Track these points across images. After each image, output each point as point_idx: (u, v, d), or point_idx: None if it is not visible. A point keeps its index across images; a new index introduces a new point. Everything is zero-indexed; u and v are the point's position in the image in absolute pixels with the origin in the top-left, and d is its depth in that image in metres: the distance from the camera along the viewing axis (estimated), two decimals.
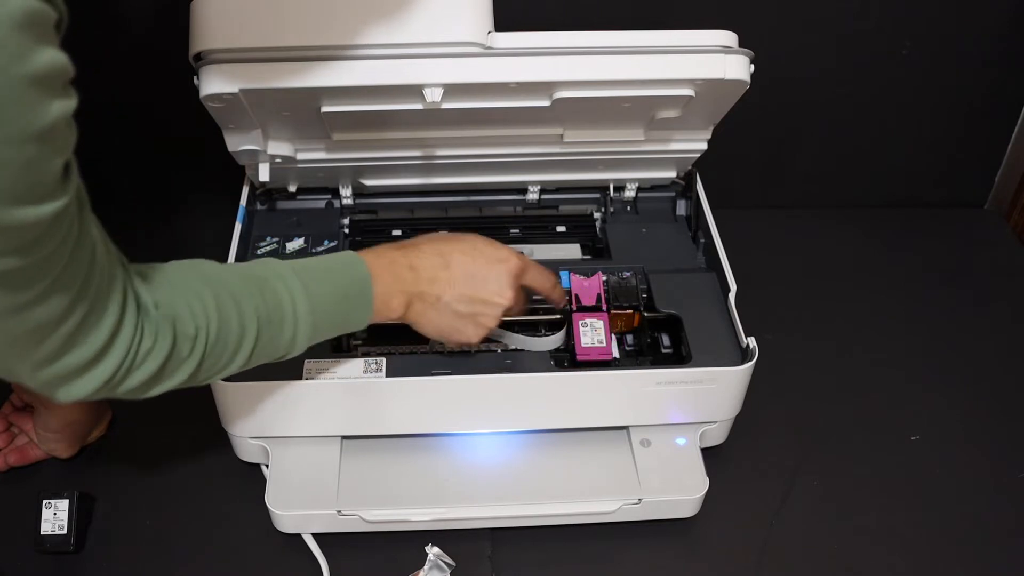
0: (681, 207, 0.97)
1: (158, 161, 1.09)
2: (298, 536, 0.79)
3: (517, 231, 0.96)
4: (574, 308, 0.85)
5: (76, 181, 0.46)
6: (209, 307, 0.58)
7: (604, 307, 0.85)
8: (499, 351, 0.84)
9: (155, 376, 0.56)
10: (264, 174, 0.84)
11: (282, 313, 0.62)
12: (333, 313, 0.65)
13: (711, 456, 0.83)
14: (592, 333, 0.83)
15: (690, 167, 0.94)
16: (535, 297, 0.87)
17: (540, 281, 0.76)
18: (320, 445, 0.81)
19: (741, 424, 0.85)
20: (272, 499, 0.77)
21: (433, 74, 0.72)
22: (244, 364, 0.62)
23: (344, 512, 0.77)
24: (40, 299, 0.46)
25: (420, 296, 0.69)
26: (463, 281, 0.70)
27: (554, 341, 0.84)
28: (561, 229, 0.97)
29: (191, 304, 0.57)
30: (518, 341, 0.84)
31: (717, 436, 0.85)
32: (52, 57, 0.39)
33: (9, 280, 0.44)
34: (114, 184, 1.02)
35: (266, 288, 0.62)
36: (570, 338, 0.83)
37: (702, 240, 0.92)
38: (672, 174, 0.95)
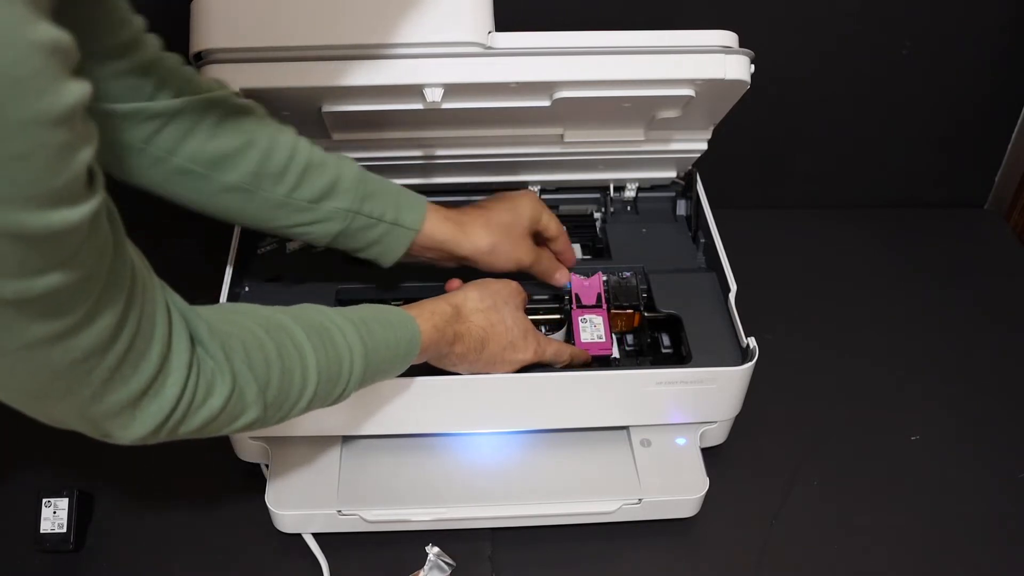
0: (681, 207, 0.97)
1: None
2: (298, 536, 0.79)
3: None
4: (574, 307, 0.85)
5: (103, 189, 0.44)
6: (271, 356, 0.57)
7: (604, 306, 0.85)
8: None
9: (220, 416, 0.54)
10: None
11: (340, 369, 0.62)
12: (377, 373, 0.66)
13: (711, 456, 0.83)
14: (592, 329, 0.83)
15: (690, 167, 0.94)
16: (535, 297, 0.87)
17: (556, 359, 0.80)
18: (320, 445, 0.81)
19: (741, 424, 0.85)
20: (272, 499, 0.77)
21: (433, 74, 0.72)
22: (300, 414, 0.61)
23: (344, 512, 0.77)
24: (86, 321, 0.43)
25: (445, 359, 0.73)
26: (484, 364, 0.75)
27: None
28: None
29: (256, 351, 0.56)
30: None
31: (717, 436, 0.85)
32: (57, 32, 0.37)
33: (54, 301, 0.41)
34: (112, 184, 1.02)
35: (328, 341, 0.61)
36: (570, 337, 0.83)
37: (702, 240, 0.92)
38: (672, 174, 0.95)
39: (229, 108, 0.66)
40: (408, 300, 0.88)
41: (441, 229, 0.76)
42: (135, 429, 0.50)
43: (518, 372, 0.77)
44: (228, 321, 0.56)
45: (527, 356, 0.77)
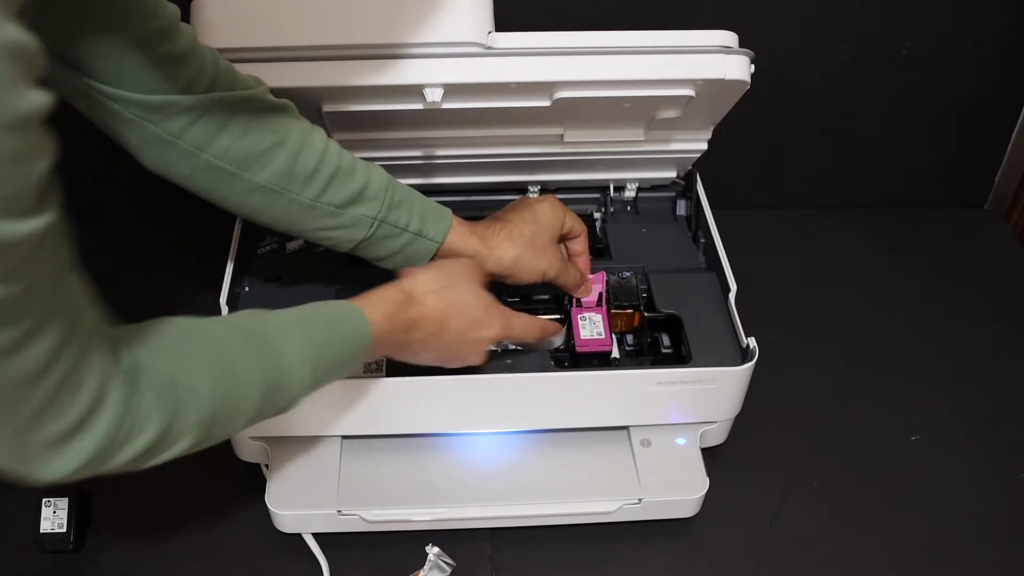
0: (681, 207, 0.97)
1: None
2: (298, 536, 0.79)
3: None
4: (574, 306, 0.85)
5: (56, 210, 0.42)
6: (213, 373, 0.54)
7: (603, 306, 0.85)
8: (499, 351, 0.84)
9: (150, 449, 0.51)
10: None
11: (284, 377, 0.59)
12: (327, 374, 0.63)
13: (711, 456, 0.83)
14: (591, 326, 0.83)
15: (690, 167, 0.94)
16: (535, 297, 0.87)
17: (526, 335, 0.77)
18: (320, 445, 0.81)
19: (741, 424, 0.85)
20: (272, 499, 0.77)
21: (433, 74, 0.72)
22: (243, 428, 0.59)
23: (344, 512, 0.77)
24: (24, 341, 0.42)
25: (405, 349, 0.70)
26: (447, 347, 0.71)
27: (554, 341, 0.84)
28: None
29: (190, 372, 0.53)
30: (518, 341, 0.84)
31: (717, 436, 0.85)
32: (22, 36, 0.36)
33: None
34: (114, 186, 1.02)
35: (271, 351, 0.58)
36: (570, 336, 0.84)
37: (702, 240, 0.92)
38: (672, 174, 0.95)
39: (262, 106, 0.66)
40: None
41: (465, 243, 0.75)
42: (59, 467, 0.47)
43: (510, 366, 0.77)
44: (164, 348, 0.53)
45: (493, 332, 0.73)
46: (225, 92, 0.63)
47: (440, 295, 0.70)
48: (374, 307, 0.66)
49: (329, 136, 0.71)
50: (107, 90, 0.58)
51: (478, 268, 0.76)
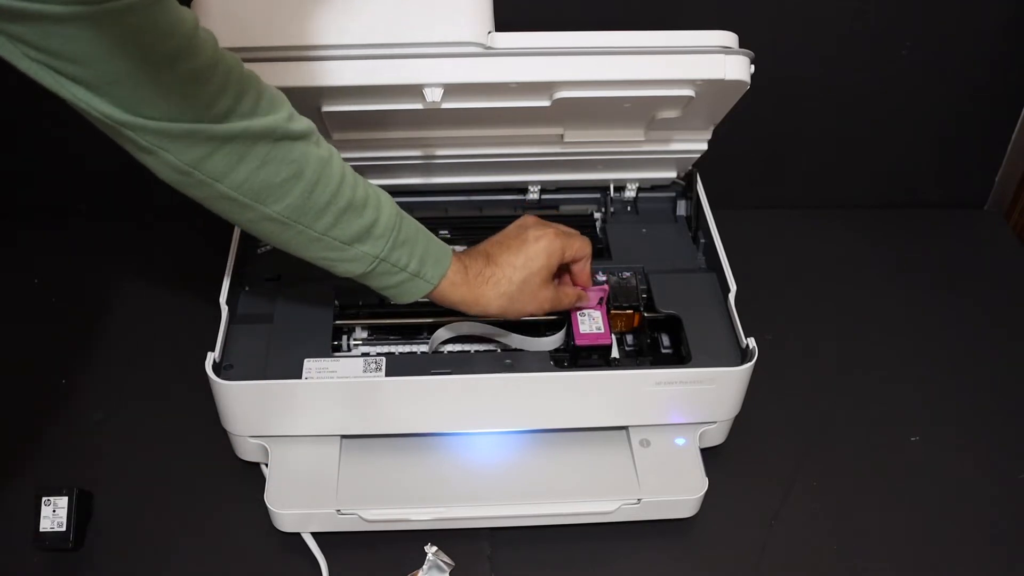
0: (681, 207, 0.97)
1: None
2: (297, 535, 0.79)
3: None
4: (573, 309, 0.85)
5: None
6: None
7: (603, 306, 0.85)
8: (499, 351, 0.84)
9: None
10: None
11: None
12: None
13: (711, 456, 0.83)
14: (590, 322, 0.83)
15: (690, 167, 0.94)
16: None
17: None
18: (319, 444, 0.81)
19: (741, 424, 0.85)
20: (271, 498, 0.77)
21: (433, 74, 0.72)
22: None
23: (343, 511, 0.77)
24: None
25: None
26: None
27: (554, 341, 0.84)
28: None
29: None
30: (518, 341, 0.84)
31: (717, 436, 0.85)
32: None
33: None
34: (114, 184, 1.02)
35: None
36: (570, 337, 0.84)
37: (702, 240, 0.92)
38: (672, 174, 0.95)
39: (283, 135, 0.63)
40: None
41: (454, 291, 0.74)
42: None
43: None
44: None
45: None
46: (249, 121, 0.60)
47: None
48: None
49: (331, 140, 0.70)
50: (122, 117, 0.55)
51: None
